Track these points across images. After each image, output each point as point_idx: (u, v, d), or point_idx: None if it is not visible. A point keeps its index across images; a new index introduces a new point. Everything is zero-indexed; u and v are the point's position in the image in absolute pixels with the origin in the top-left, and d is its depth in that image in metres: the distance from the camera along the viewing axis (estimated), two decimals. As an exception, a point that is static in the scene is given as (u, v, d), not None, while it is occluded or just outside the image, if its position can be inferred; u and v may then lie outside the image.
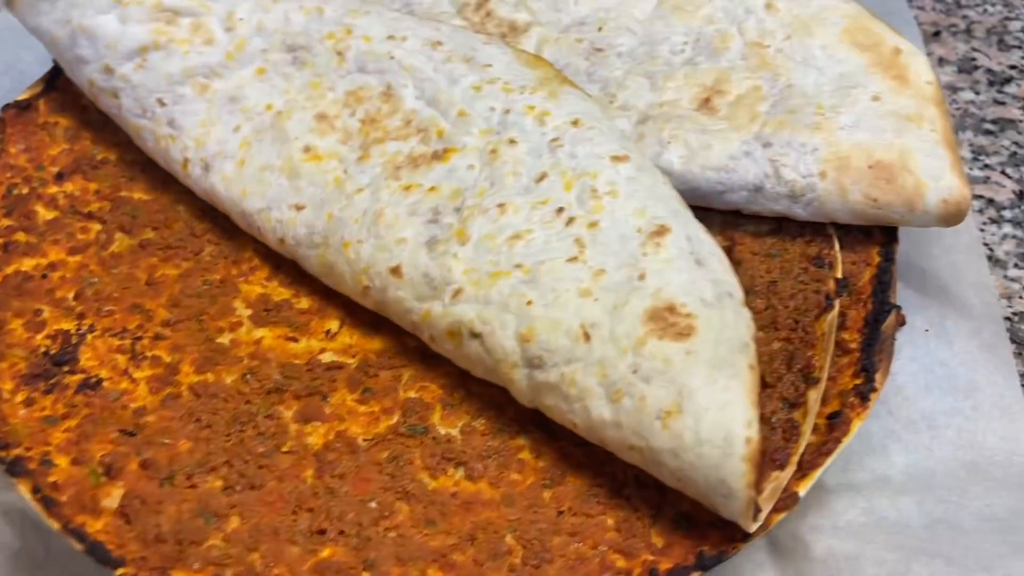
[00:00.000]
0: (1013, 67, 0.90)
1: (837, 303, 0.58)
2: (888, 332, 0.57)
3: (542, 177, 0.58)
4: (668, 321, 0.50)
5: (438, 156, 0.60)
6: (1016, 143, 0.83)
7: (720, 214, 0.64)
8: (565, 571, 0.49)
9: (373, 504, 0.52)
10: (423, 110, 0.63)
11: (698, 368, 0.49)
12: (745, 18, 0.69)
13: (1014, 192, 0.78)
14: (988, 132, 0.84)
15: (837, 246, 0.61)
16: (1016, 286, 0.71)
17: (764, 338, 0.57)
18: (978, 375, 0.62)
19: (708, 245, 0.55)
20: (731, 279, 0.53)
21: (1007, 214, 0.76)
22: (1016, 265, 0.72)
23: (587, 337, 0.51)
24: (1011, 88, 0.88)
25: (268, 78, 0.65)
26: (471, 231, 0.56)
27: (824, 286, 0.59)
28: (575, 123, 0.60)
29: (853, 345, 0.57)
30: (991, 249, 0.74)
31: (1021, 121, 0.85)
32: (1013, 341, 0.67)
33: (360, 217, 0.58)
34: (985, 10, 0.97)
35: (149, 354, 0.57)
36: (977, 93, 0.88)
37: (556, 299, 0.52)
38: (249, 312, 0.60)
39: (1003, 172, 0.80)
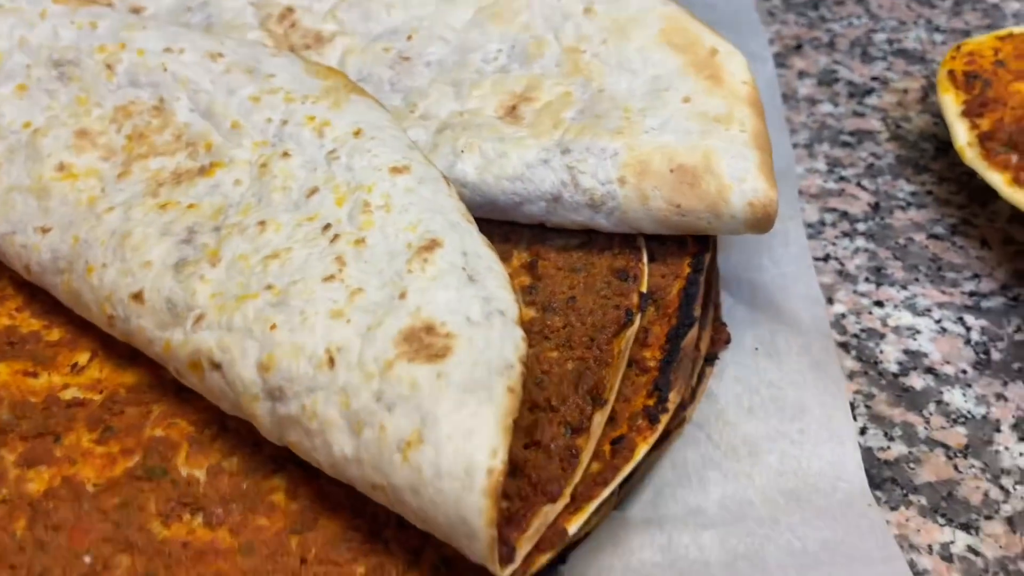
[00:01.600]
0: (875, 79, 0.88)
1: (638, 318, 0.53)
2: (688, 348, 0.52)
3: (313, 192, 0.53)
4: (424, 342, 0.45)
5: (204, 171, 0.55)
6: (874, 154, 0.79)
7: (529, 228, 0.59)
8: (297, 629, 0.42)
9: (87, 559, 0.45)
10: (196, 123, 0.58)
11: (447, 392, 0.43)
12: (562, 24, 0.66)
13: (869, 204, 0.74)
14: (845, 144, 0.80)
15: (645, 258, 0.57)
16: (866, 301, 0.66)
17: (558, 358, 0.52)
18: (807, 395, 0.57)
19: (486, 260, 0.50)
20: (506, 296, 0.48)
21: (860, 227, 0.72)
22: (867, 279, 0.68)
23: (332, 363, 0.45)
24: (872, 99, 0.85)
25: (30, 95, 0.59)
26: (224, 252, 0.51)
27: (626, 300, 0.54)
28: (356, 133, 0.55)
29: (652, 363, 0.52)
30: (842, 263, 0.69)
31: (880, 132, 0.82)
32: (859, 359, 0.62)
33: (107, 239, 0.53)
34: (850, 23, 0.95)
35: None
36: (836, 105, 0.85)
37: (303, 322, 0.46)
38: (-12, 347, 0.54)
39: (859, 184, 0.76)
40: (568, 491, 0.45)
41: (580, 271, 0.57)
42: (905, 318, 0.65)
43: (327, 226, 0.51)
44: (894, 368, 0.61)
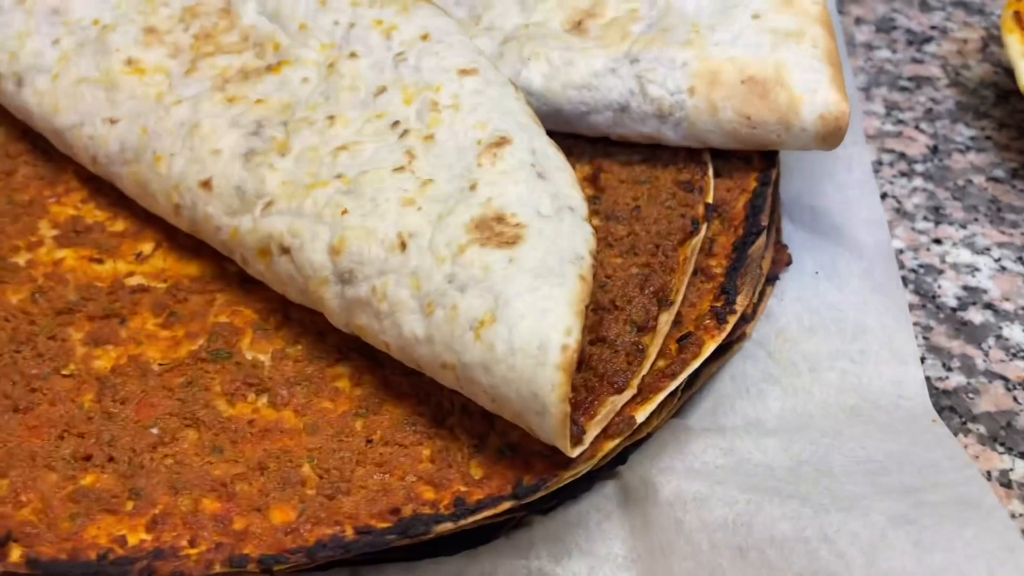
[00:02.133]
0: (934, 27, 0.86)
1: (704, 228, 0.52)
2: (756, 256, 0.52)
3: (381, 91, 0.53)
4: (495, 230, 0.45)
5: (271, 68, 0.55)
6: (933, 99, 0.78)
7: (590, 143, 0.59)
8: (363, 503, 0.42)
9: (154, 430, 0.45)
10: (263, 25, 0.58)
11: (520, 276, 0.43)
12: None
13: (927, 147, 0.73)
14: (903, 89, 0.79)
15: (711, 172, 0.56)
16: (924, 238, 0.65)
17: (622, 264, 0.52)
18: (868, 317, 0.56)
19: (555, 160, 0.49)
20: (575, 194, 0.48)
21: (919, 168, 0.71)
22: (925, 218, 0.67)
23: (403, 247, 0.45)
24: (930, 47, 0.84)
25: (100, -9, 0.60)
26: (294, 143, 0.51)
27: (692, 211, 0.53)
28: (424, 37, 0.55)
29: (718, 271, 0.51)
30: (899, 202, 0.68)
31: (939, 78, 0.80)
32: (916, 293, 0.61)
33: (176, 129, 0.53)
34: None
35: (-73, 267, 0.51)
36: (894, 52, 0.84)
37: (375, 208, 0.46)
38: (55, 233, 0.54)
39: (917, 127, 0.75)
40: (635, 382, 0.45)
41: (644, 183, 0.56)
42: (964, 256, 0.64)
43: (396, 123, 0.51)
44: (952, 303, 0.61)
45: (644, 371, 0.45)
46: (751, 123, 0.54)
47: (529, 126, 0.51)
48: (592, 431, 0.42)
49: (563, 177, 0.48)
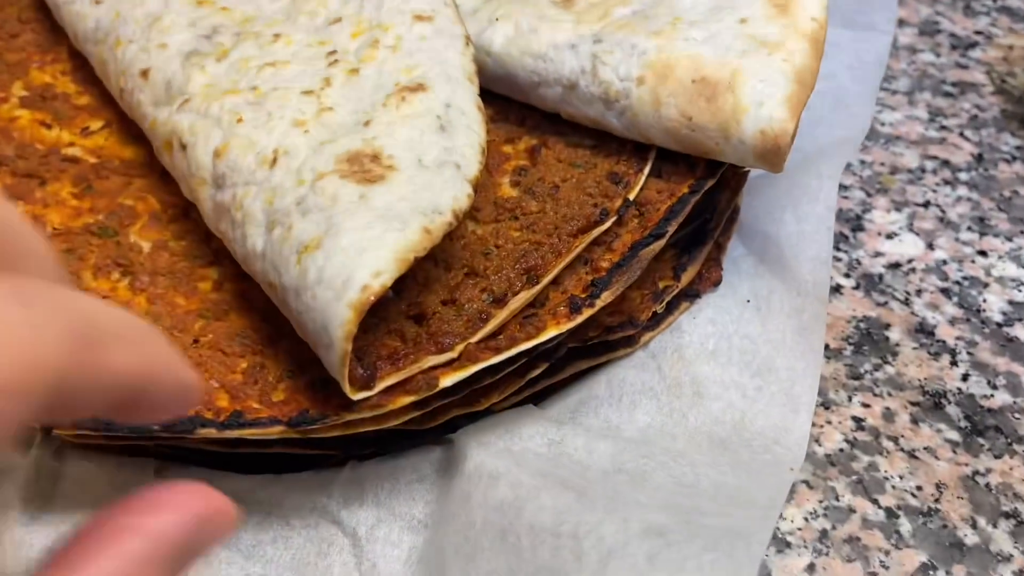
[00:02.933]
0: (979, 32, 0.83)
1: (610, 221, 0.50)
2: (644, 258, 0.49)
3: (336, 21, 0.53)
4: (364, 166, 0.44)
5: (248, -21, 0.57)
6: (977, 106, 0.75)
7: (544, 117, 0.57)
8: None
9: (17, 283, 0.47)
10: (259, -63, 0.59)
11: (362, 213, 0.42)
12: (656, -68, 0.62)
13: (972, 155, 0.71)
14: (947, 94, 0.77)
15: (647, 169, 0.53)
16: (968, 249, 0.64)
17: (517, 238, 0.50)
18: (779, 358, 0.52)
19: (469, 118, 0.48)
20: (470, 154, 0.47)
21: (963, 176, 0.69)
22: (969, 228, 0.65)
23: (274, 163, 0.45)
24: (975, 53, 0.80)
25: None
26: (233, 53, 0.52)
27: (608, 203, 0.51)
28: (399, -24, 0.55)
29: (605, 265, 0.49)
30: (943, 211, 0.66)
31: (984, 85, 0.76)
32: (960, 306, 0.60)
33: (142, 19, 0.55)
34: None
35: None
36: (938, 56, 0.80)
37: (267, 121, 0.47)
38: (24, 94, 0.58)
39: (961, 134, 0.73)
40: (459, 348, 0.43)
41: (579, 167, 0.54)
42: (1010, 269, 0.62)
43: (332, 52, 0.52)
44: (998, 317, 0.59)
45: (473, 340, 0.44)
46: (691, 124, 0.51)
47: (458, 80, 0.50)
48: (386, 381, 0.41)
49: (467, 137, 0.47)
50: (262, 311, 0.47)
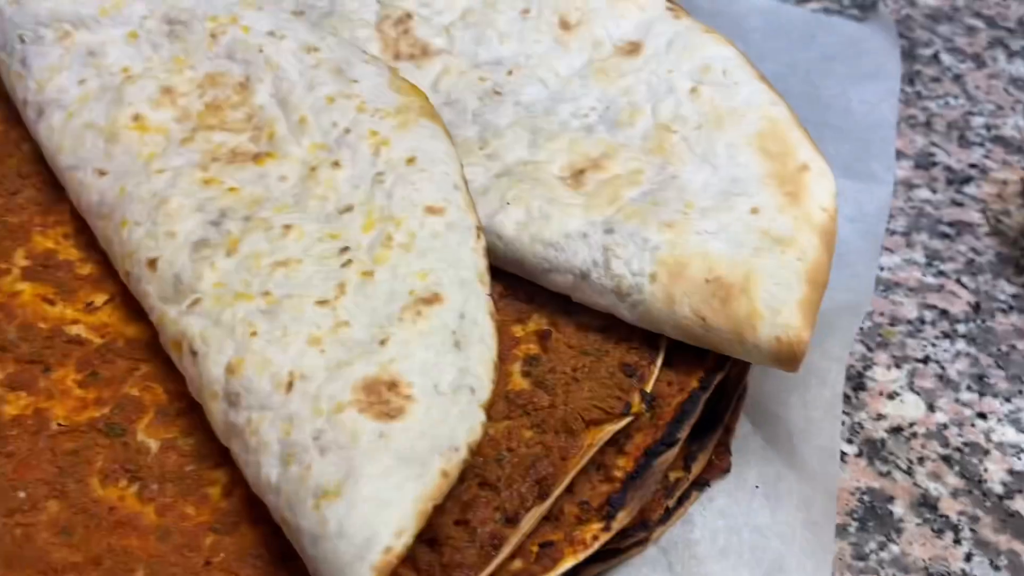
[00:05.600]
0: (973, 166, 0.84)
1: (629, 418, 0.50)
2: (659, 468, 0.49)
3: (347, 210, 0.53)
4: (382, 397, 0.44)
5: (257, 158, 0.56)
6: (974, 249, 0.76)
7: (555, 295, 0.57)
8: (169, 627, 0.42)
9: (22, 494, 0.47)
10: (270, 109, 0.59)
11: (382, 455, 0.42)
12: (664, 97, 0.63)
13: (969, 304, 0.71)
14: (944, 235, 0.78)
15: (659, 361, 0.53)
16: (968, 411, 0.64)
17: (530, 438, 0.50)
18: (790, 555, 0.52)
19: (480, 330, 0.48)
20: (483, 373, 0.47)
21: (961, 328, 0.70)
22: (969, 387, 0.65)
23: (290, 387, 0.45)
24: (970, 189, 0.81)
25: (138, 44, 0.62)
26: (243, 245, 0.51)
27: (625, 396, 0.51)
28: (409, 161, 0.55)
29: (619, 473, 0.49)
30: (943, 367, 0.67)
31: (979, 225, 0.77)
32: (962, 476, 0.59)
33: (148, 198, 0.55)
34: (947, 103, 0.91)
35: None
36: (934, 192, 0.81)
37: (282, 337, 0.47)
38: (26, 264, 0.57)
39: (958, 281, 0.73)
40: (475, 582, 0.43)
41: (590, 355, 0.54)
42: (1009, 434, 0.62)
43: (345, 248, 0.51)
44: (999, 489, 0.59)
45: (487, 572, 0.44)
46: (705, 325, 0.51)
47: (470, 284, 0.50)
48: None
49: (480, 352, 0.47)
50: (271, 523, 0.47)
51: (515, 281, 0.58)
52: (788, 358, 0.50)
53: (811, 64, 0.86)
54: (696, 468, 0.54)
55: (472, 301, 0.49)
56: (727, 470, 0.55)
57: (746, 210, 0.55)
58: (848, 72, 0.84)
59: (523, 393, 0.52)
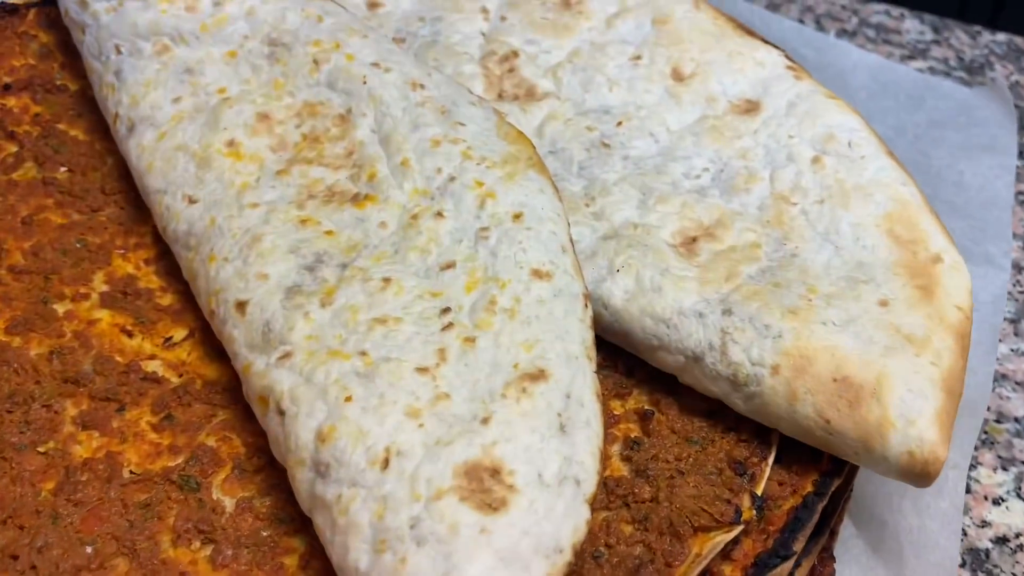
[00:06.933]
0: None
1: (737, 530, 0.46)
2: (774, 586, 0.45)
3: (449, 266, 0.50)
4: (484, 485, 0.41)
5: (357, 200, 0.53)
6: None
7: (656, 371, 0.53)
8: None
9: (89, 549, 0.44)
10: (371, 146, 0.56)
11: (483, 554, 0.39)
12: (784, 165, 0.59)
13: None
14: None
15: (771, 460, 0.49)
16: None
17: (629, 535, 0.46)
18: None
19: (587, 412, 0.45)
20: (589, 463, 0.43)
21: None
22: None
23: (386, 465, 0.42)
24: None
25: (236, 64, 0.60)
26: (339, 295, 0.48)
27: (734, 498, 0.47)
28: (516, 217, 0.51)
29: (727, 586, 0.45)
30: None
31: None
32: None
33: (240, 234, 0.52)
34: None
35: (-29, 294, 0.52)
36: None
37: (379, 406, 0.43)
38: (105, 289, 0.54)
39: None
40: None
41: (695, 443, 0.50)
42: None
43: (446, 310, 0.48)
44: None
45: None
46: (828, 428, 0.47)
47: (578, 359, 0.46)
48: None
49: (586, 438, 0.44)
50: (353, 603, 0.43)
51: (614, 351, 0.54)
52: (920, 474, 0.46)
53: (920, 129, 0.82)
54: (801, 574, 0.50)
55: (579, 379, 0.46)
56: (830, 579, 0.51)
57: (874, 301, 0.51)
58: (960, 142, 0.80)
59: (623, 481, 0.48)
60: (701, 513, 0.46)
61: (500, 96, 0.64)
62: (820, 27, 1.01)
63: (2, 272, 0.53)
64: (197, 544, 0.45)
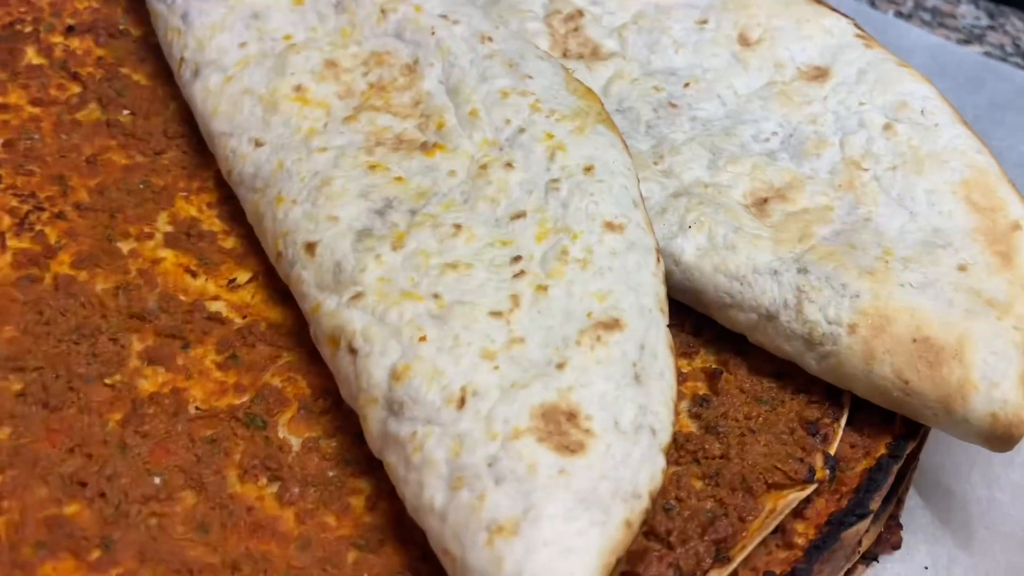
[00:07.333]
0: None
1: (811, 488, 0.45)
2: (849, 542, 0.44)
3: (518, 216, 0.49)
4: (561, 427, 0.40)
5: (425, 148, 0.52)
6: None
7: (724, 331, 0.53)
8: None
9: (157, 480, 0.43)
10: (438, 96, 0.55)
11: (563, 495, 0.38)
12: (855, 131, 0.58)
13: None
14: None
15: (843, 421, 0.49)
16: None
17: (700, 489, 0.46)
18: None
19: (661, 364, 0.44)
20: (664, 413, 0.42)
21: None
22: None
23: (462, 403, 0.41)
24: None
25: (303, 11, 0.59)
26: (410, 240, 0.48)
27: (807, 457, 0.46)
28: (587, 170, 0.51)
29: (800, 541, 0.44)
30: None
31: None
32: None
33: (309, 177, 0.51)
34: None
35: (38, 227, 0.52)
36: None
37: (454, 346, 0.43)
38: (169, 229, 0.54)
39: None
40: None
41: (765, 403, 0.50)
42: None
43: (517, 258, 0.47)
44: None
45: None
46: (907, 389, 0.46)
47: (651, 312, 0.46)
48: None
49: (661, 388, 0.43)
50: (420, 545, 0.43)
51: (681, 310, 0.53)
52: (1002, 437, 0.45)
53: (979, 111, 0.80)
54: (867, 541, 0.49)
55: (652, 331, 0.45)
56: (897, 546, 0.51)
57: (953, 265, 0.50)
58: (1020, 124, 0.79)
59: (692, 437, 0.48)
60: (774, 471, 0.46)
61: (565, 54, 0.64)
62: (875, 8, 1.00)
63: (68, 208, 0.53)
64: (264, 481, 0.44)
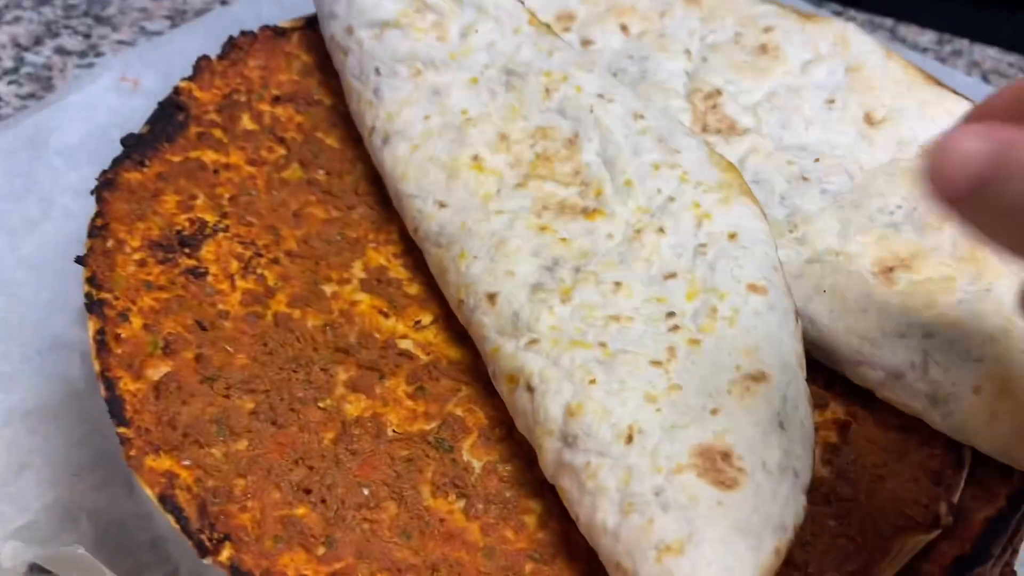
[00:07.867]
0: None
1: (936, 531, 0.50)
2: (975, 586, 0.49)
3: (670, 276, 0.56)
4: (716, 465, 0.46)
5: (586, 213, 0.60)
6: None
7: (853, 386, 0.58)
8: (498, 644, 0.46)
9: (366, 491, 0.51)
10: (596, 167, 0.63)
11: (721, 523, 0.44)
12: (975, 206, 0.63)
13: None
14: None
15: (965, 473, 0.54)
16: None
17: (832, 528, 0.51)
18: None
19: (801, 413, 0.50)
20: (805, 457, 0.48)
21: None
22: None
23: (630, 440, 0.48)
24: None
25: (477, 89, 0.68)
26: (576, 294, 0.55)
27: (932, 504, 0.52)
28: (731, 237, 0.57)
29: (928, 581, 0.49)
30: None
31: None
32: None
33: (487, 236, 0.59)
34: None
35: (260, 271, 0.61)
36: None
37: (620, 390, 0.50)
38: (363, 275, 0.62)
39: None
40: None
41: (891, 453, 0.55)
42: None
43: (671, 314, 0.54)
44: None
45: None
46: (1025, 448, 0.51)
47: (791, 368, 0.52)
48: None
49: (801, 436, 0.49)
50: (586, 560, 0.49)
51: (813, 365, 0.59)
52: (1117, 498, 0.49)
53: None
54: (984, 585, 0.53)
55: (793, 384, 0.51)
56: (1014, 596, 0.55)
57: (1071, 335, 0.55)
58: None
59: (824, 481, 0.53)
60: (901, 515, 0.51)
61: (704, 129, 0.71)
62: (987, 82, 1.04)
63: (280, 255, 0.62)
64: (452, 497, 0.52)
